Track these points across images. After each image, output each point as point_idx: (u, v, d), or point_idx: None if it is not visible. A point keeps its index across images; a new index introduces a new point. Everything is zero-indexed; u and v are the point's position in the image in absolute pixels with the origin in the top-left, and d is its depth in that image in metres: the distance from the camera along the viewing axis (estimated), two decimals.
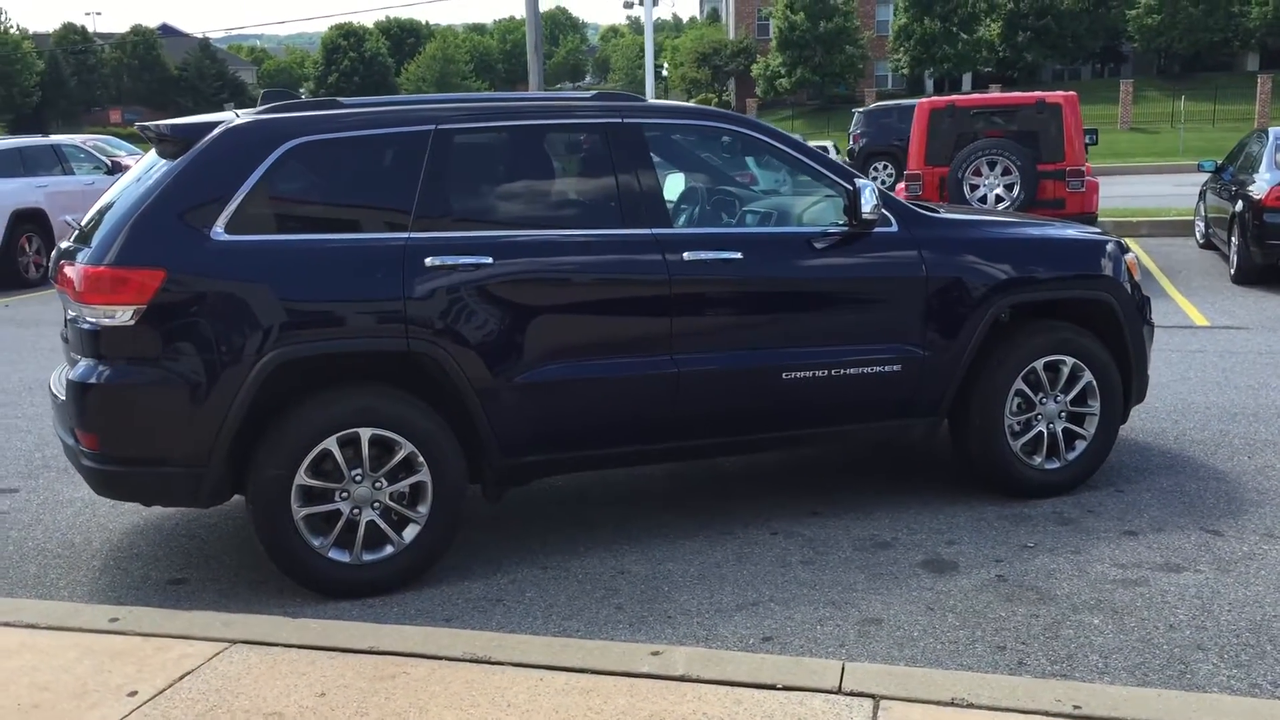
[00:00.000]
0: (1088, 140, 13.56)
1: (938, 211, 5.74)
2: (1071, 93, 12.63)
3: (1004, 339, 5.56)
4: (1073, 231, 5.97)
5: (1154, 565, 4.84)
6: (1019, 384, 5.55)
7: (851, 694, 3.43)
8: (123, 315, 4.40)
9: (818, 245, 5.26)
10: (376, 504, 4.67)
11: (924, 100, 13.21)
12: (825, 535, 5.29)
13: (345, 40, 73.05)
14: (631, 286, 4.97)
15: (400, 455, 4.65)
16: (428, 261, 4.65)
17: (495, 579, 4.89)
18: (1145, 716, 3.26)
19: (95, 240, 4.51)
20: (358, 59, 72.24)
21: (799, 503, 5.72)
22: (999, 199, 12.10)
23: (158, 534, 5.53)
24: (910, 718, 3.29)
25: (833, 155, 18.27)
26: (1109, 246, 5.85)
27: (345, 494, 4.63)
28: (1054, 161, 12.18)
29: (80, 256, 4.52)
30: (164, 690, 3.49)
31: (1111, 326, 5.74)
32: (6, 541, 5.46)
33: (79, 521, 5.70)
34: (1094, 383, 5.66)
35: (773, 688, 3.47)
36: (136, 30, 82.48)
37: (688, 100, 68.69)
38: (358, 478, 4.63)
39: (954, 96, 13.72)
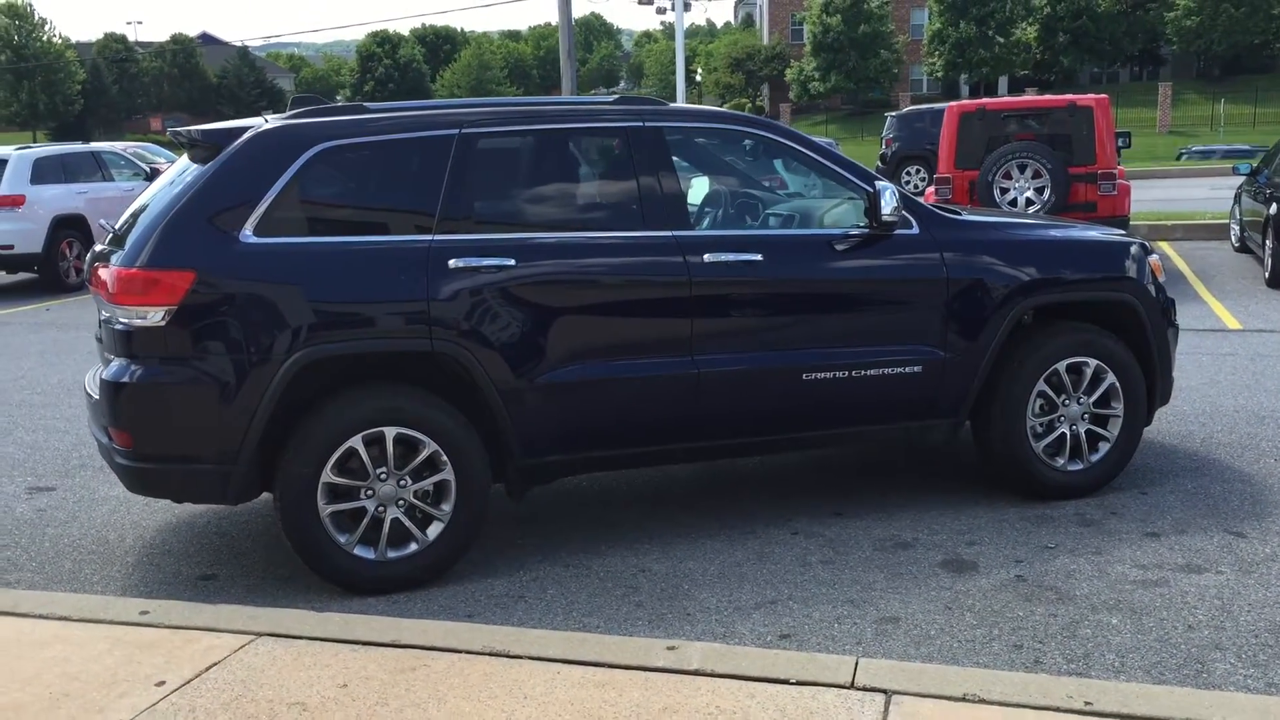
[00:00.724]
0: (1120, 144, 13.51)
1: (960, 214, 5.76)
2: (1103, 95, 12.58)
3: (1026, 341, 5.57)
4: (1096, 233, 5.97)
5: (1175, 566, 4.84)
6: (1041, 385, 5.56)
7: (864, 689, 3.47)
8: (154, 316, 4.50)
9: (838, 247, 5.30)
10: (401, 502, 4.74)
11: (954, 104, 13.19)
12: (846, 535, 5.32)
13: (380, 48, 73.62)
14: (652, 288, 5.03)
15: (424, 454, 4.73)
16: (451, 263, 4.72)
17: (518, 576, 4.96)
18: (1156, 713, 3.27)
19: (128, 243, 4.61)
20: (393, 66, 72.78)
21: (821, 503, 5.75)
22: (1029, 202, 12.05)
23: (189, 531, 5.64)
24: (921, 713, 3.32)
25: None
26: (1133, 248, 5.85)
27: (370, 492, 4.71)
28: (1085, 164, 12.12)
29: (114, 259, 4.63)
30: (191, 680, 3.58)
31: (1135, 328, 5.74)
32: (44, 538, 5.58)
33: (114, 519, 5.82)
34: (1117, 384, 5.66)
35: (786, 682, 3.51)
36: (176, 39, 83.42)
37: (721, 106, 68.74)
38: (382, 476, 4.71)
39: (984, 100, 13.69)
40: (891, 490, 5.94)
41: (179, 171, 4.99)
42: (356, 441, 4.65)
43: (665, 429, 5.13)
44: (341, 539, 4.69)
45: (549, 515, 5.76)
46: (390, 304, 4.68)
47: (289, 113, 5.02)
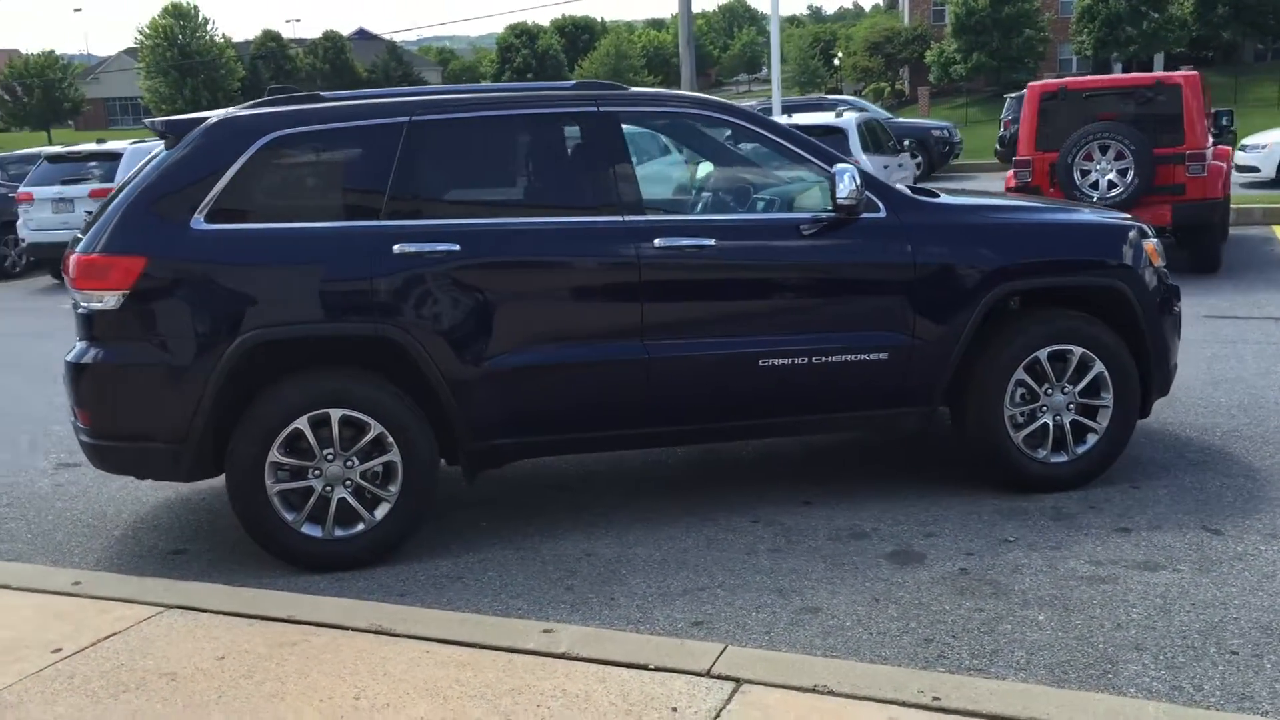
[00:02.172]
0: (1225, 123, 12.91)
1: (936, 196, 5.61)
2: (1193, 73, 12.03)
3: (1005, 327, 5.41)
4: (1088, 216, 5.76)
5: (1131, 564, 4.65)
6: (1020, 374, 5.39)
7: (718, 677, 3.44)
8: (109, 300, 4.71)
9: (797, 231, 5.22)
10: (348, 482, 4.87)
11: (1034, 83, 12.76)
12: (805, 524, 5.25)
13: (519, 39, 74.69)
14: (601, 274, 5.05)
15: (370, 436, 4.84)
16: (396, 249, 4.82)
17: (465, 558, 5.04)
18: (1003, 711, 3.17)
19: (91, 230, 4.84)
20: (531, 56, 73.76)
21: (794, 491, 5.69)
22: (1111, 185, 11.61)
23: (183, 508, 5.88)
24: (765, 702, 3.29)
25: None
26: (1126, 232, 5.62)
27: (318, 472, 4.84)
28: (1173, 145, 11.61)
29: (78, 246, 4.86)
30: (85, 648, 3.76)
31: (1126, 316, 5.51)
32: (51, 511, 5.90)
33: (120, 495, 6.09)
34: (1106, 374, 5.44)
35: (644, 668, 3.51)
36: (328, 35, 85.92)
37: (857, 89, 67.61)
38: (329, 457, 4.84)
39: (1067, 79, 13.20)
40: (870, 480, 5.83)
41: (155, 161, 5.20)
42: (302, 422, 4.78)
43: (617, 415, 5.14)
44: (289, 517, 4.84)
45: (518, 498, 5.84)
46: (335, 289, 4.81)
47: (249, 103, 5.18)
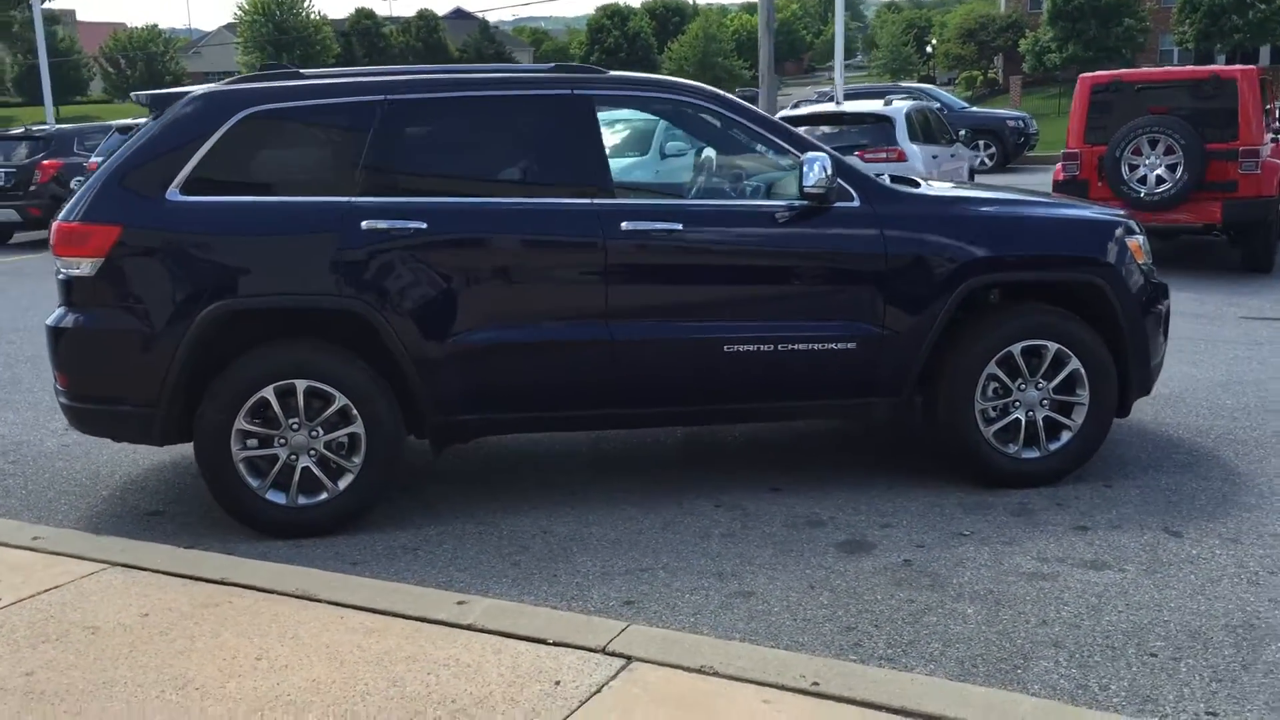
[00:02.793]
0: None
1: (916, 186, 5.58)
2: (1251, 67, 11.72)
3: (978, 320, 5.38)
4: (1069, 211, 5.69)
5: (1077, 562, 4.62)
6: (992, 368, 5.35)
7: (612, 654, 3.50)
8: (85, 267, 4.90)
9: (767, 219, 5.24)
10: (313, 452, 5.01)
11: (1086, 75, 12.52)
12: (766, 510, 5.28)
13: (609, 20, 74.84)
14: (566, 255, 5.12)
15: (335, 407, 4.97)
16: (364, 225, 4.93)
17: (426, 530, 5.16)
18: (874, 698, 3.19)
19: (73, 198, 5.03)
20: (621, 38, 73.84)
21: (765, 478, 5.71)
22: (1160, 180, 11.37)
23: (171, 471, 6.08)
24: (648, 679, 3.35)
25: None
26: (1109, 228, 5.54)
27: (283, 440, 4.99)
28: (1226, 140, 11.33)
29: (60, 214, 5.06)
30: (25, 599, 3.94)
31: (1106, 313, 5.44)
32: (49, 470, 6.14)
33: (116, 458, 6.32)
34: (1082, 371, 5.39)
35: (544, 642, 3.59)
36: (422, 14, 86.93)
37: (950, 78, 66.56)
38: (295, 426, 4.98)
39: (1120, 70, 12.91)
40: (843, 469, 5.83)
41: None
42: (268, 392, 4.93)
43: (580, 396, 5.21)
44: (254, 483, 4.99)
45: (490, 473, 5.95)
46: (303, 262, 4.94)
47: (230, 78, 5.34)
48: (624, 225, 5.07)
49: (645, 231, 5.09)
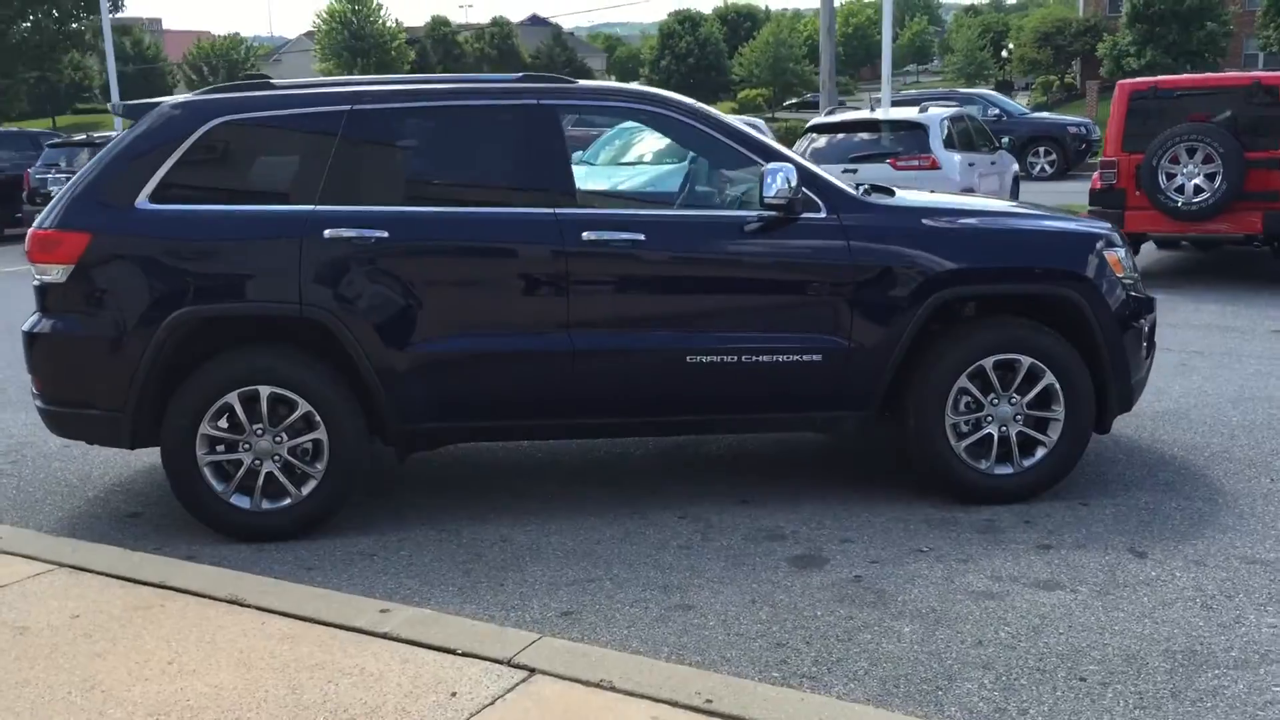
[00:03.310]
0: None
1: (889, 196, 5.51)
2: None
3: (948, 334, 5.30)
4: (1046, 223, 5.58)
5: (1030, 581, 4.53)
6: (963, 381, 5.27)
7: (516, 665, 3.51)
8: (57, 273, 5.02)
9: (731, 229, 5.22)
10: (277, 457, 5.07)
11: (1124, 81, 12.26)
12: (729, 523, 5.25)
13: (681, 25, 74.84)
14: (527, 264, 5.13)
15: (298, 413, 5.04)
16: (326, 233, 4.99)
17: (388, 536, 5.20)
18: (762, 716, 3.16)
19: (48, 206, 5.16)
20: (692, 43, 73.82)
21: (737, 490, 5.68)
22: (1198, 190, 11.11)
23: (157, 474, 6.15)
24: (543, 693, 3.35)
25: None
26: (1086, 241, 5.43)
27: (247, 446, 5.06)
28: (1269, 149, 11.04)
29: (35, 222, 5.19)
30: None
31: (1081, 327, 5.33)
32: (45, 471, 6.30)
33: (111, 461, 6.44)
34: (1057, 386, 5.29)
35: (453, 652, 3.60)
36: (495, 21, 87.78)
37: (1028, 82, 65.53)
38: (259, 432, 5.05)
39: (1158, 77, 12.62)
40: (819, 483, 5.78)
41: None
42: (232, 397, 5.01)
43: (542, 405, 5.22)
44: (219, 487, 5.07)
45: (463, 481, 5.98)
46: (266, 270, 5.02)
47: (205, 88, 5.44)
48: (585, 235, 5.08)
49: (606, 241, 5.09)
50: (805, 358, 5.21)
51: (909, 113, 13.44)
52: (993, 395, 5.30)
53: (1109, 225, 5.81)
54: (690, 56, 73.36)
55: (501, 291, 5.16)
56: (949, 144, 12.72)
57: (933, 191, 6.91)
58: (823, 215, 5.21)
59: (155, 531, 5.32)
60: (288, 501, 5.12)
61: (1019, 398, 5.31)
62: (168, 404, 5.03)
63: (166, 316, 4.94)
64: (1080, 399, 5.31)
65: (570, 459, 6.35)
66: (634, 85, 6.03)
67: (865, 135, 12.89)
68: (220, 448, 5.06)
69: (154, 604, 3.99)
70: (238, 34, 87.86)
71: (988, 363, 5.26)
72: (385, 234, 5.02)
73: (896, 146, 12.47)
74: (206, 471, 5.05)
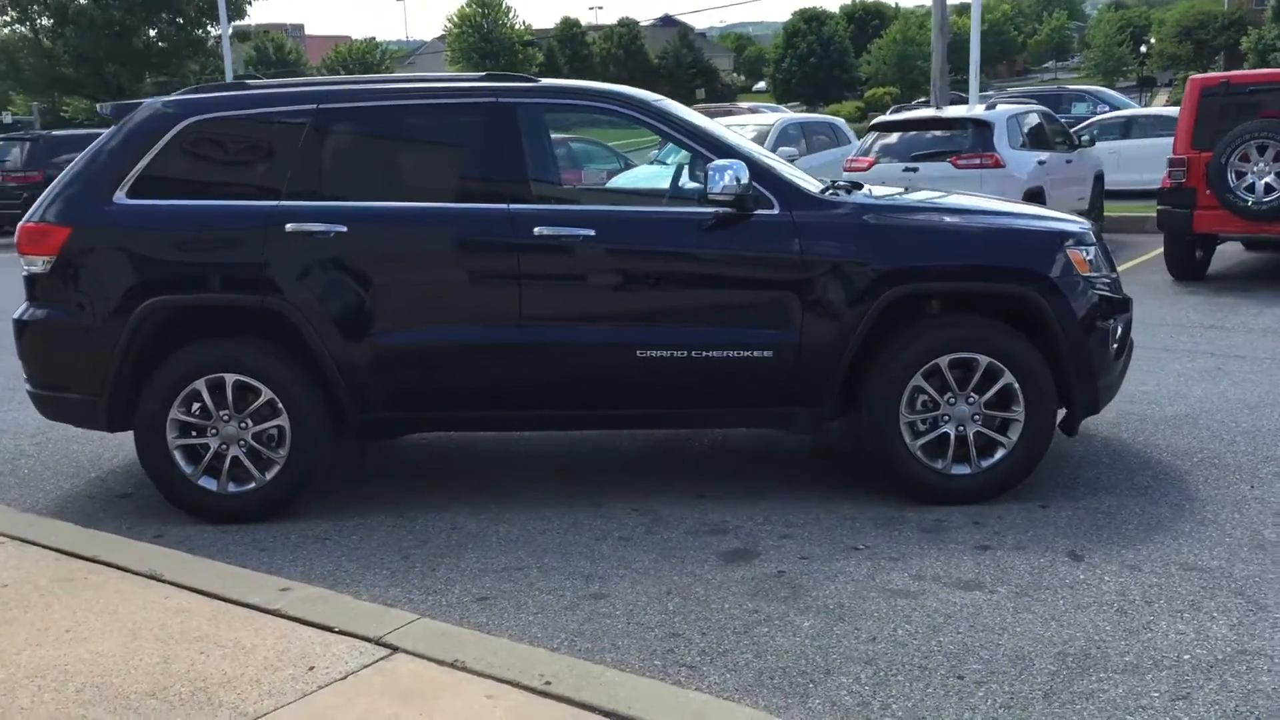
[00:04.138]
0: None
1: (844, 194, 5.49)
2: None
3: (903, 331, 5.26)
4: (1009, 221, 5.50)
5: (952, 581, 4.48)
6: (918, 380, 5.22)
7: (381, 644, 3.63)
8: (41, 264, 5.33)
9: (682, 226, 5.27)
10: (242, 443, 5.30)
11: (1196, 76, 11.84)
12: (677, 516, 5.29)
13: (805, 24, 74.44)
14: (480, 259, 5.27)
15: (261, 400, 5.25)
16: (289, 228, 5.20)
17: (345, 521, 5.38)
18: (591, 699, 3.23)
19: (37, 202, 5.48)
20: (816, 42, 73.32)
21: (698, 484, 5.72)
22: (1269, 189, 10.70)
23: None
24: (397, 670, 3.47)
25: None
26: (1049, 239, 5.34)
27: (214, 431, 5.30)
28: None
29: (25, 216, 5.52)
30: None
31: (1043, 327, 5.23)
32: (62, 453, 6.65)
33: (124, 445, 6.71)
34: (1016, 386, 5.20)
35: (330, 630, 3.74)
36: (622, 22, 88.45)
37: (1171, 78, 63.30)
38: (225, 418, 5.28)
39: (1230, 73, 12.13)
40: (782, 479, 5.79)
41: None
42: (200, 384, 5.25)
43: (494, 396, 5.35)
44: (188, 470, 5.32)
45: (439, 468, 6.16)
46: (231, 262, 5.25)
47: (184, 89, 5.71)
48: (536, 230, 5.18)
49: (557, 237, 5.19)
50: (756, 354, 5.22)
51: (974, 110, 13.20)
52: (949, 394, 5.24)
53: (1085, 223, 5.68)
54: (813, 55, 72.86)
55: (456, 285, 5.30)
56: (1016, 142, 12.46)
57: (971, 194, 6.77)
58: (775, 212, 5.22)
59: (136, 511, 5.60)
60: (252, 485, 5.34)
61: (977, 397, 5.24)
62: (141, 390, 5.29)
63: (138, 306, 5.21)
64: (1041, 400, 5.21)
65: (550, 451, 6.45)
66: (597, 84, 6.09)
67: (929, 133, 12.71)
68: (184, 430, 5.29)
69: (79, 577, 4.23)
70: (373, 38, 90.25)
71: (943, 361, 5.20)
72: (344, 229, 5.20)
73: (960, 144, 12.28)
74: (177, 455, 5.30)
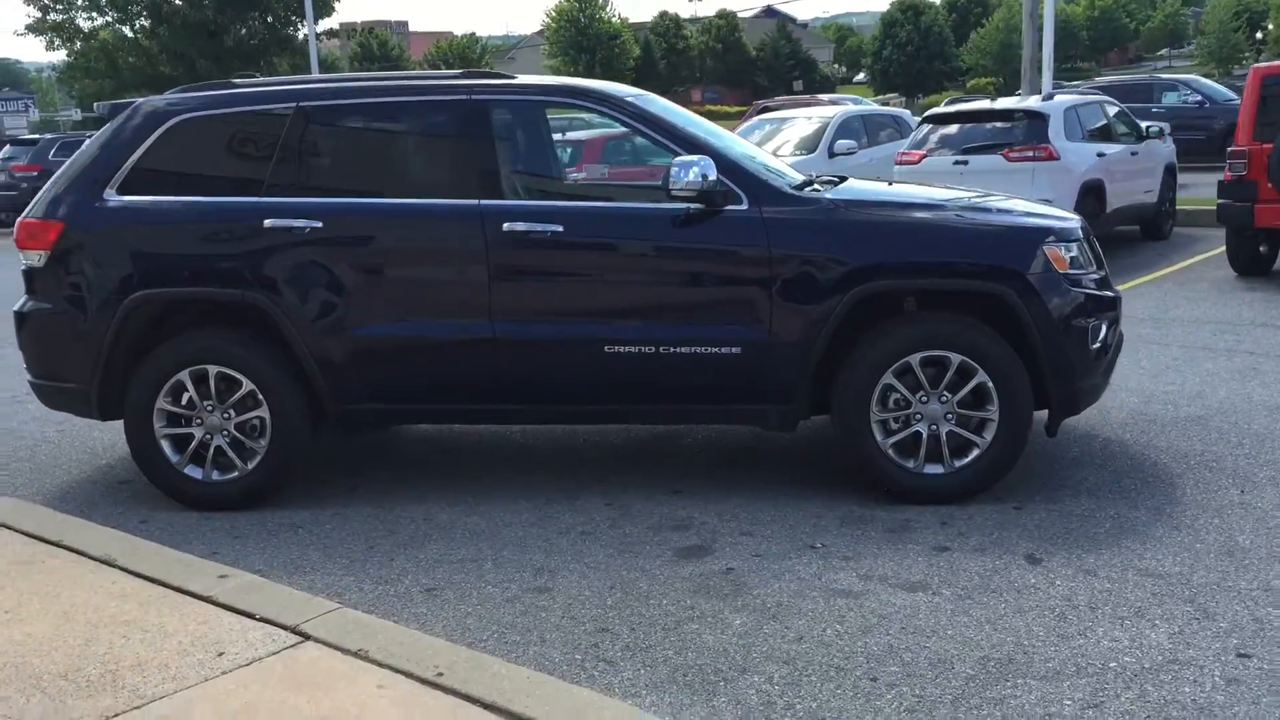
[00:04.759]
0: None
1: (829, 188, 5.44)
2: None
3: (872, 328, 5.20)
4: (985, 217, 5.38)
5: (898, 582, 4.43)
6: (889, 378, 5.16)
7: (296, 632, 3.71)
8: (36, 259, 5.54)
9: (651, 221, 5.27)
10: (225, 433, 5.45)
11: (1259, 65, 11.41)
12: (646, 511, 5.31)
13: (903, 14, 73.43)
14: (451, 254, 5.34)
15: (243, 391, 5.39)
16: (267, 224, 5.33)
17: (324, 511, 5.49)
18: (474, 690, 3.27)
19: (35, 199, 5.69)
20: (914, 32, 72.27)
21: (676, 481, 5.72)
22: None
23: None
24: (300, 658, 3.54)
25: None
26: (1025, 235, 5.23)
27: (199, 421, 5.46)
28: None
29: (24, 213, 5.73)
30: None
31: (1018, 325, 5.13)
32: (83, 438, 6.90)
33: None
34: (990, 385, 5.11)
35: (252, 617, 3.84)
36: (721, 14, 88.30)
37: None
38: (209, 408, 5.44)
39: None
40: (763, 477, 5.76)
41: None
42: (184, 375, 5.40)
43: (466, 390, 5.41)
44: (175, 458, 5.49)
45: (425, 462, 6.24)
46: (212, 257, 5.40)
47: (174, 89, 5.87)
48: (505, 226, 5.23)
49: (525, 232, 5.23)
50: (724, 350, 5.21)
51: (1029, 101, 12.91)
52: (921, 393, 5.17)
53: (1071, 220, 5.53)
54: (911, 45, 71.82)
55: (428, 280, 5.38)
56: (1074, 134, 12.16)
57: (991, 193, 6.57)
58: (744, 208, 5.19)
59: (133, 498, 5.78)
60: (235, 474, 5.48)
61: (950, 396, 5.15)
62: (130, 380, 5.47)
63: (125, 299, 5.38)
64: (1016, 400, 5.11)
65: (541, 445, 6.51)
66: (575, 80, 6.12)
67: (982, 125, 12.46)
68: (180, 423, 5.45)
69: (38, 560, 4.40)
70: (474, 34, 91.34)
71: (914, 359, 5.13)
72: (319, 224, 5.31)
73: (1013, 136, 12.02)
74: (164, 444, 5.47)
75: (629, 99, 5.55)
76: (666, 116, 5.53)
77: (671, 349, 5.22)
